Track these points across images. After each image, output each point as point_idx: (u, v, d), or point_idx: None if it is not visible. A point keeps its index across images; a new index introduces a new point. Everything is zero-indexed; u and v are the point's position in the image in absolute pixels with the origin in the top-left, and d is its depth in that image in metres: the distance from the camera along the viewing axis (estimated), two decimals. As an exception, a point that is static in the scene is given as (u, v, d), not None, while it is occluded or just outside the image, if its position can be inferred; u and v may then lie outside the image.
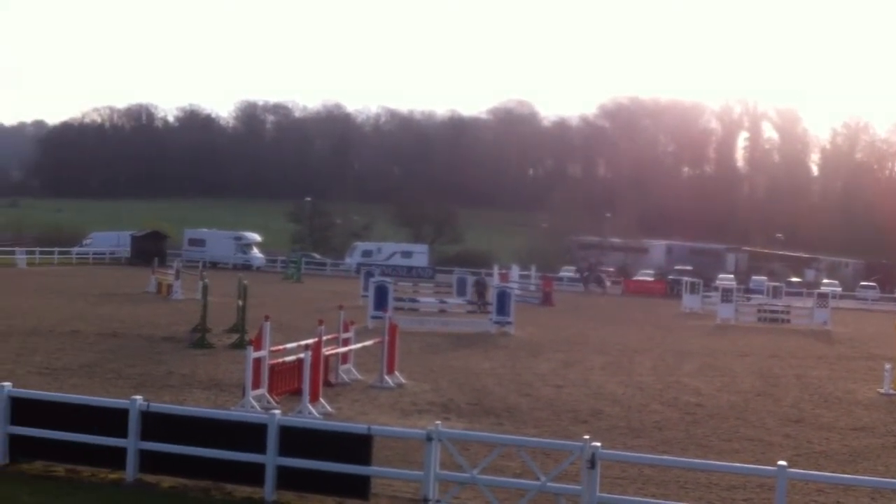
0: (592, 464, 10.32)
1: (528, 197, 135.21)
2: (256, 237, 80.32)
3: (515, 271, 61.69)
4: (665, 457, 13.49)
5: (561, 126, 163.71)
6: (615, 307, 52.85)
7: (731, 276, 72.74)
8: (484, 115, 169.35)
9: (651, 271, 79.95)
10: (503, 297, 34.29)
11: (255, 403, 16.36)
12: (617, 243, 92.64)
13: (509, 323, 33.77)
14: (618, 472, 13.05)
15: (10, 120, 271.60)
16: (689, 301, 50.77)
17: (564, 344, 31.40)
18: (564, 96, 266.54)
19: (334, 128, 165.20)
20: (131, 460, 11.88)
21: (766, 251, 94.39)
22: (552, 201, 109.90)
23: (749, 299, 52.77)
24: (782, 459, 11.75)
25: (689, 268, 75.61)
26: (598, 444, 10.62)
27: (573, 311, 47.96)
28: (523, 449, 11.71)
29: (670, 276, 72.68)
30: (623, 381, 23.17)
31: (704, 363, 27.71)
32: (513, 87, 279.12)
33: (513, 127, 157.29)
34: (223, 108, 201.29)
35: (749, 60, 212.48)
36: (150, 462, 11.92)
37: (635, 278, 75.94)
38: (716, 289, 51.75)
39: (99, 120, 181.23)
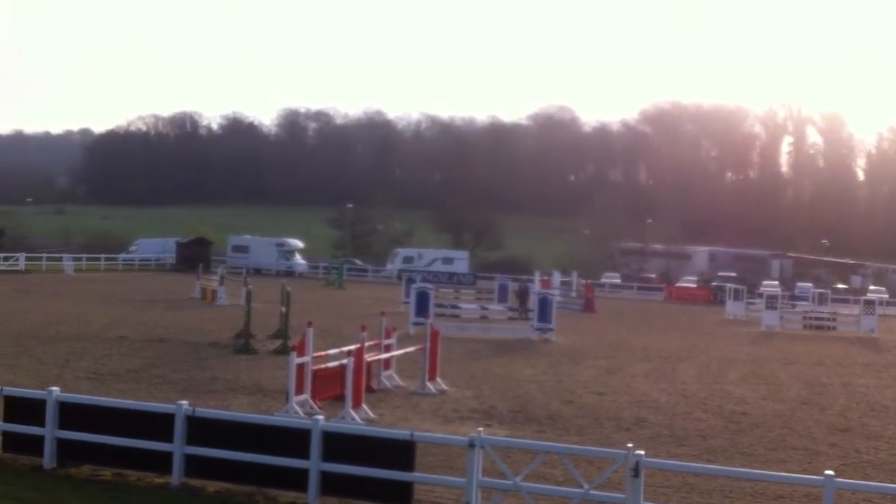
0: (636, 472, 10.25)
1: (568, 203, 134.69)
2: (299, 244, 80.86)
3: (557, 277, 61.51)
4: (710, 465, 13.35)
5: (602, 131, 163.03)
6: (658, 314, 52.45)
7: (776, 282, 71.92)
8: (524, 121, 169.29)
9: (694, 278, 79.30)
10: (544, 304, 34.16)
11: (298, 409, 16.46)
12: (659, 249, 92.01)
13: (551, 329, 33.64)
14: (661, 481, 12.95)
15: (57, 128, 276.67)
16: (733, 308, 50.26)
17: (607, 351, 31.23)
18: (605, 101, 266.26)
19: (375, 134, 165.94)
20: (177, 465, 12.01)
21: (812, 257, 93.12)
22: (593, 207, 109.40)
23: (794, 306, 52.10)
24: (829, 469, 11.57)
25: (732, 274, 74.88)
26: (642, 452, 10.54)
27: (615, 317, 47.67)
28: (566, 456, 11.65)
29: (714, 283, 72.01)
30: (666, 388, 22.98)
31: (749, 371, 27.40)
32: (553, 93, 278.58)
33: (553, 132, 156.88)
34: (266, 115, 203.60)
35: (793, 64, 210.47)
36: (195, 466, 12.03)
37: (678, 285, 75.33)
38: (760, 295, 51.14)
39: (144, 128, 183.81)
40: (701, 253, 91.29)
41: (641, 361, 28.54)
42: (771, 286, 63.44)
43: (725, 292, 54.37)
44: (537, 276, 57.51)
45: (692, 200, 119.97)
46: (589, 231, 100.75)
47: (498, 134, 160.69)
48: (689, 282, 76.99)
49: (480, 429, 12.01)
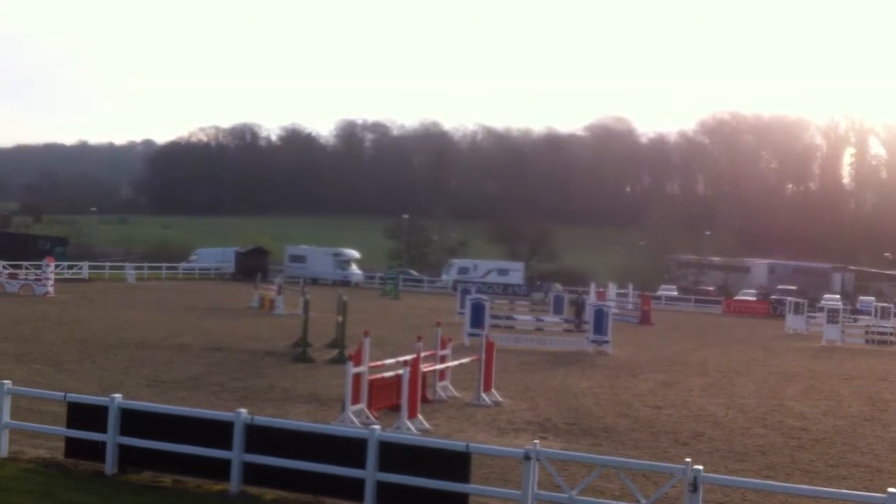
0: (695, 487, 10.14)
1: (625, 214, 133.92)
2: (355, 254, 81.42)
3: (612, 289, 61.09)
4: (770, 482, 13.15)
5: (659, 142, 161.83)
6: (716, 327, 51.80)
7: (837, 296, 70.51)
8: (580, 132, 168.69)
9: (753, 291, 78.14)
10: (600, 316, 33.95)
11: (354, 418, 16.55)
12: (717, 262, 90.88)
13: (606, 342, 33.42)
14: (720, 497, 12.80)
15: (120, 139, 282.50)
16: (793, 322, 49.44)
17: (663, 364, 30.92)
18: (662, 112, 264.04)
19: (431, 145, 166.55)
20: (236, 472, 12.14)
21: (874, 270, 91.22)
22: (650, 219, 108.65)
23: (856, 320, 51.02)
24: (892, 487, 11.33)
25: (792, 287, 73.62)
26: (701, 467, 10.43)
27: (672, 330, 47.19)
28: (623, 470, 11.57)
29: (773, 296, 70.90)
30: (724, 403, 22.68)
31: (809, 386, 26.92)
32: (610, 104, 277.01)
33: (610, 143, 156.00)
34: (324, 126, 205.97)
35: (856, 75, 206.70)
36: (253, 474, 12.15)
37: (736, 298, 74.31)
38: (821, 309, 50.18)
39: (205, 139, 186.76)
40: (760, 266, 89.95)
41: (699, 375, 28.21)
42: (832, 300, 62.22)
43: (785, 306, 53.48)
44: (593, 288, 57.17)
45: (751, 212, 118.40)
46: (645, 243, 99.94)
47: (554, 145, 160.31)
48: (747, 295, 75.90)
49: (536, 441, 11.99)
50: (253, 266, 67.21)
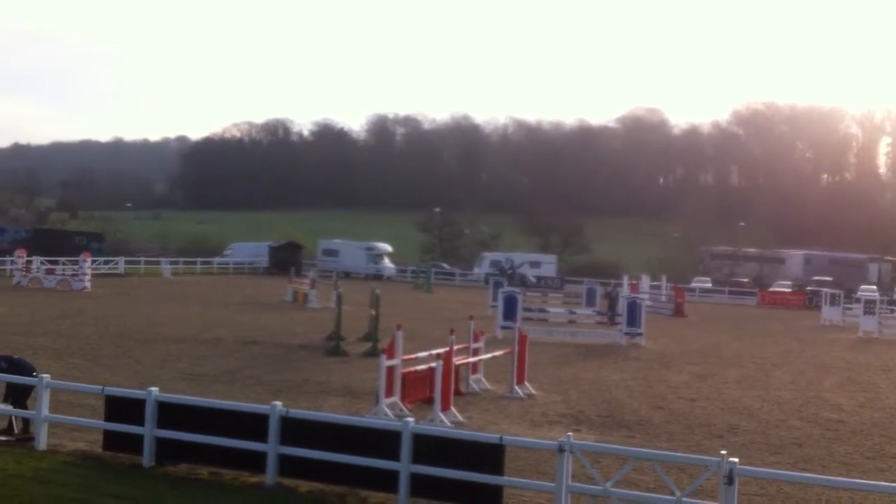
0: (730, 480, 10.09)
1: (658, 206, 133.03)
2: (387, 247, 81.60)
3: (646, 282, 60.78)
4: (806, 474, 13.05)
5: (692, 133, 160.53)
6: (751, 319, 51.39)
7: (874, 286, 69.69)
8: (612, 124, 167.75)
9: (788, 282, 77.44)
10: (633, 308, 33.83)
11: (387, 411, 16.63)
12: (752, 253, 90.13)
13: (640, 334, 33.29)
14: (755, 489, 12.73)
15: (154, 136, 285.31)
16: (829, 313, 48.93)
17: (697, 356, 30.74)
18: (695, 103, 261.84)
19: (463, 139, 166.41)
20: (271, 464, 12.26)
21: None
22: (683, 210, 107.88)
23: (893, 311, 50.41)
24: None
25: (828, 278, 72.89)
26: (736, 459, 10.38)
27: (706, 322, 46.89)
28: (657, 463, 11.54)
29: (809, 287, 70.21)
30: (760, 395, 22.52)
31: (846, 378, 26.66)
32: (642, 95, 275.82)
33: (642, 135, 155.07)
34: (355, 121, 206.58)
35: (892, 63, 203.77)
36: (288, 466, 12.26)
37: (771, 289, 73.67)
38: (857, 300, 49.59)
39: (238, 135, 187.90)
40: (795, 257, 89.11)
41: (734, 367, 28.03)
42: (868, 291, 61.49)
43: (821, 297, 52.96)
44: (626, 280, 56.91)
45: (786, 203, 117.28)
46: (679, 234, 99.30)
47: (585, 137, 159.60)
48: (783, 286, 75.22)
49: (570, 433, 11.98)
50: (286, 260, 67.53)
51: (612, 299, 40.95)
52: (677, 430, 17.59)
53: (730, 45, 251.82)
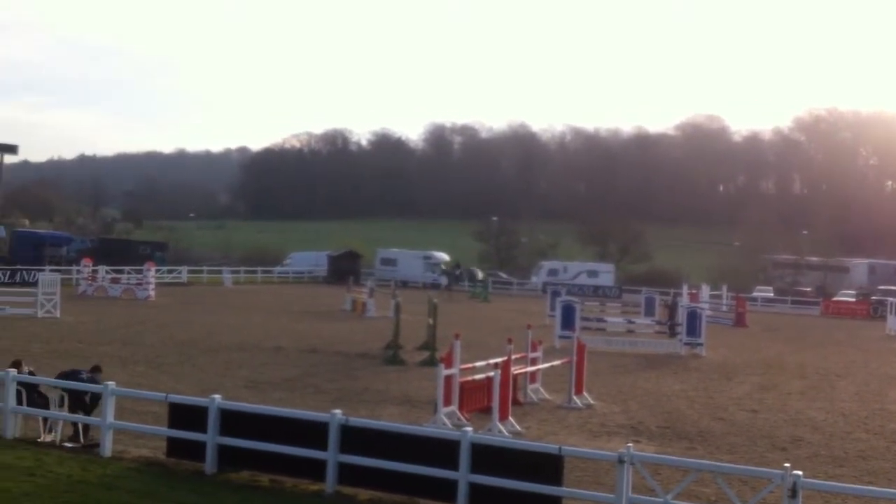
0: (794, 493, 9.94)
1: (718, 214, 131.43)
2: (445, 256, 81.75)
3: (706, 291, 60.00)
4: (871, 487, 12.77)
5: (753, 140, 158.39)
6: (814, 329, 50.46)
7: (942, 296, 67.88)
8: (671, 131, 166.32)
9: (852, 291, 75.78)
10: (694, 318, 33.43)
11: (446, 420, 16.66)
12: (815, 262, 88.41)
13: (700, 344, 32.89)
14: (819, 503, 12.49)
15: (217, 147, 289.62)
16: (895, 323, 47.81)
17: (760, 367, 30.27)
18: (756, 109, 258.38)
19: (520, 147, 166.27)
20: (331, 472, 12.35)
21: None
22: (744, 218, 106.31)
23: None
24: None
25: (894, 287, 71.20)
26: (800, 472, 10.22)
27: (768, 332, 46.14)
28: (719, 475, 11.41)
29: (874, 297, 68.64)
30: (824, 407, 22.11)
31: (914, 390, 26.05)
32: (701, 102, 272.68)
33: (702, 142, 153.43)
34: (413, 130, 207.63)
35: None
36: (348, 474, 12.35)
37: (835, 299, 72.18)
38: (924, 310, 48.41)
39: (298, 145, 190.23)
40: (860, 265, 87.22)
41: (797, 378, 27.55)
42: (936, 300, 59.92)
43: (887, 307, 51.75)
44: (685, 290, 56.26)
45: (850, 211, 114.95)
46: (740, 243, 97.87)
47: (644, 144, 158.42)
48: (847, 295, 73.61)
49: (630, 444, 11.89)
50: (345, 269, 68.06)
51: (672, 309, 40.52)
52: (739, 442, 17.35)
53: (791, 51, 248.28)
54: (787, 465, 10.45)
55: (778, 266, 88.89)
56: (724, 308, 55.25)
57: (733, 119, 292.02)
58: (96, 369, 15.60)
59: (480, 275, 64.98)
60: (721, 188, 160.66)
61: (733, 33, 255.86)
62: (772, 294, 74.83)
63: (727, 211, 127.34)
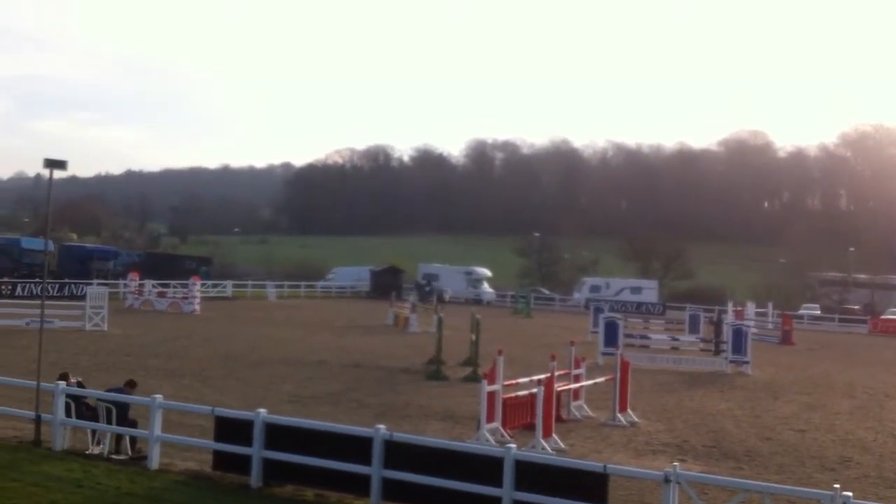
0: (843, 514, 9.78)
1: (763, 231, 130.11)
2: (487, 272, 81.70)
3: (751, 308, 59.34)
4: (924, 511, 12.55)
5: (798, 156, 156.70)
6: (862, 347, 49.65)
7: None
8: (715, 147, 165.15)
9: (901, 310, 74.50)
10: (739, 335, 33.06)
11: (489, 436, 16.62)
12: (863, 279, 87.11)
13: (746, 362, 32.51)
14: (870, 525, 12.26)
15: (261, 163, 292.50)
16: (947, 342, 46.92)
17: (807, 385, 29.84)
18: (801, 125, 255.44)
19: (561, 163, 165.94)
20: (375, 487, 12.36)
21: None
22: (790, 235, 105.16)
23: None
24: None
25: (945, 306, 69.92)
26: (850, 493, 10.05)
27: (816, 350, 45.48)
28: (767, 495, 11.23)
29: (924, 315, 67.45)
30: (873, 427, 21.73)
31: (966, 410, 25.49)
32: (745, 117, 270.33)
33: (746, 158, 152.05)
34: (454, 146, 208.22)
35: None
36: (392, 489, 12.34)
37: (884, 317, 70.98)
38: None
39: (340, 161, 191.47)
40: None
41: (845, 398, 27.11)
42: None
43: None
44: (730, 307, 55.67)
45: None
46: (786, 260, 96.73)
47: (687, 160, 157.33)
48: (895, 314, 72.42)
49: (675, 463, 11.78)
50: (387, 284, 68.25)
51: (717, 326, 40.11)
52: (787, 462, 17.11)
53: (837, 66, 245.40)
54: (836, 486, 10.29)
55: (825, 283, 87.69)
56: (770, 326, 54.58)
57: (778, 135, 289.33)
58: (131, 384, 15.77)
59: (447, 296, 65.20)
60: (766, 204, 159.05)
61: (778, 48, 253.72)
62: (818, 312, 73.80)
63: (772, 228, 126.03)
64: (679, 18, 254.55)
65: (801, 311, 70.86)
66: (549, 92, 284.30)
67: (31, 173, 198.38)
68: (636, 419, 20.64)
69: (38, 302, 25.08)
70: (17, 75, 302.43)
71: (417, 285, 67.58)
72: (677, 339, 38.01)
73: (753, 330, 38.59)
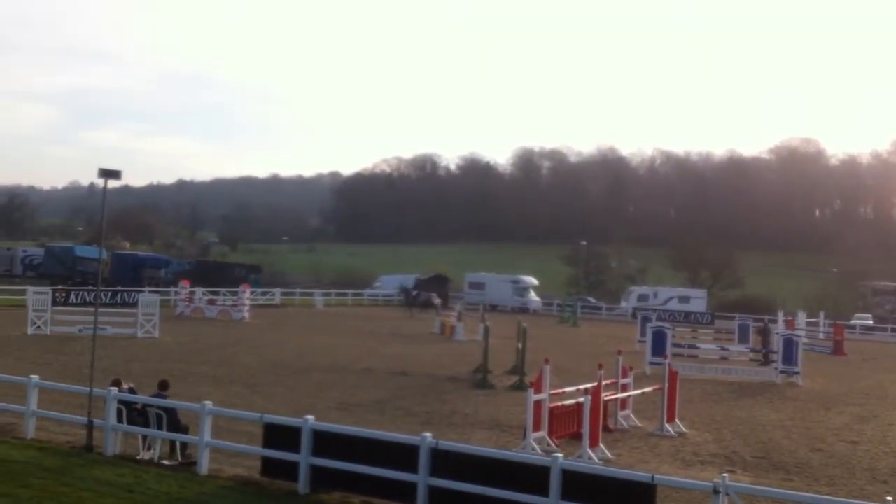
0: (896, 528, 9.62)
1: (814, 239, 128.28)
2: (533, 281, 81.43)
3: (802, 318, 58.49)
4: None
5: (850, 164, 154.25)
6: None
7: None
8: (765, 155, 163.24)
9: (959, 320, 72.89)
10: (790, 345, 32.60)
11: (535, 445, 16.58)
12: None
13: (797, 373, 32.05)
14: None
15: (309, 171, 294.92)
16: None
17: (859, 397, 29.34)
18: (853, 132, 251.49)
19: (609, 171, 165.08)
20: (421, 495, 12.41)
21: None
22: (842, 244, 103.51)
23: None
24: None
25: None
26: (903, 507, 9.89)
27: (868, 361, 44.69)
28: (817, 507, 11.11)
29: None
30: (928, 439, 21.30)
31: None
32: (797, 125, 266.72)
33: (797, 166, 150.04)
34: (501, 155, 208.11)
35: None
36: (438, 497, 12.38)
37: (940, 327, 69.51)
38: None
39: (387, 169, 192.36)
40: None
41: (899, 409, 26.61)
42: None
43: None
44: (781, 317, 54.92)
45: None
46: (837, 269, 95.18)
47: (737, 168, 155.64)
48: (953, 324, 70.88)
49: (724, 474, 11.67)
50: (434, 292, 68.29)
51: (764, 335, 39.63)
52: (838, 474, 16.85)
53: (890, 72, 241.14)
54: (889, 498, 10.14)
55: (878, 293, 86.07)
56: (822, 336, 53.75)
57: (830, 142, 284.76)
58: (163, 385, 15.93)
59: (437, 301, 65.11)
60: (817, 213, 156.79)
61: (830, 55, 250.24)
62: (871, 322, 72.51)
63: (824, 236, 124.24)
64: (729, 24, 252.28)
65: (854, 321, 69.71)
66: (596, 100, 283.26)
67: (85, 183, 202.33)
68: (684, 429, 20.46)
69: (92, 309, 25.57)
70: (70, 87, 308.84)
71: (405, 291, 67.48)
72: (726, 349, 37.58)
73: (804, 340, 38.05)
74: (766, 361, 34.51)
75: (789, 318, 54.60)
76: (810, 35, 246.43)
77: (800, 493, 13.06)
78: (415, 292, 63.61)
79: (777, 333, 36.46)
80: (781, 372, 32.12)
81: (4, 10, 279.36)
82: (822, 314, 62.26)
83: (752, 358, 35.60)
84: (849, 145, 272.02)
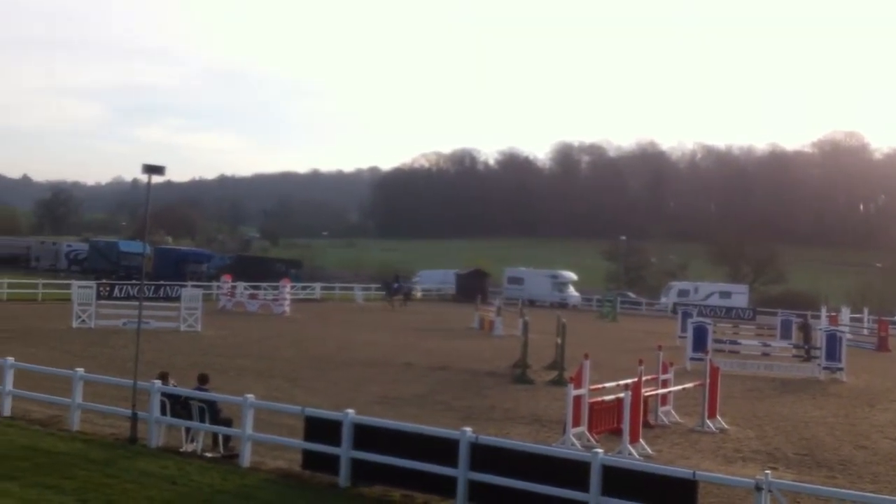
0: (943, 527, 9.48)
1: (858, 234, 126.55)
2: (572, 276, 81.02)
3: (846, 314, 57.69)
4: None
5: (895, 158, 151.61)
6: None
7: None
8: (808, 149, 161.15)
9: None
10: (833, 341, 32.21)
11: (575, 441, 16.55)
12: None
13: (840, 369, 31.65)
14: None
15: (349, 167, 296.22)
16: None
17: (905, 394, 28.92)
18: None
19: (648, 166, 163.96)
20: (461, 489, 12.44)
21: None
22: (886, 239, 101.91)
23: None
24: None
25: None
26: (950, 505, 9.74)
27: (914, 358, 43.99)
28: (861, 505, 10.98)
29: None
30: (975, 437, 20.94)
31: None
32: (840, 118, 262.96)
33: (840, 160, 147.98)
34: (540, 149, 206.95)
35: None
36: (478, 491, 12.40)
37: None
38: None
39: (427, 164, 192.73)
40: None
41: (946, 407, 26.18)
42: None
43: None
44: (824, 312, 54.21)
45: None
46: (882, 264, 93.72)
47: (779, 162, 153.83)
48: None
49: (767, 471, 11.57)
50: (473, 288, 68.28)
51: (805, 331, 39.18)
52: (883, 472, 16.64)
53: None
54: (936, 497, 9.97)
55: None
56: (866, 332, 52.92)
57: (874, 136, 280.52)
58: (203, 379, 16.09)
59: (419, 293, 64.66)
60: (861, 207, 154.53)
61: (874, 48, 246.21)
62: (916, 317, 71.29)
63: (868, 231, 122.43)
64: (771, 17, 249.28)
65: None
66: (636, 94, 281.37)
67: (129, 178, 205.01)
68: (725, 425, 20.31)
69: (135, 303, 25.90)
70: (115, 84, 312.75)
71: (385, 283, 67.37)
72: (768, 345, 37.21)
73: (848, 336, 37.56)
74: (808, 357, 34.11)
75: (833, 314, 53.93)
76: (854, 29, 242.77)
77: (844, 491, 12.91)
78: (395, 285, 63.67)
79: (820, 329, 36.04)
80: (825, 368, 31.76)
81: (52, 8, 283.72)
82: (865, 310, 61.35)
83: (794, 354, 35.22)
84: (893, 139, 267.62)
